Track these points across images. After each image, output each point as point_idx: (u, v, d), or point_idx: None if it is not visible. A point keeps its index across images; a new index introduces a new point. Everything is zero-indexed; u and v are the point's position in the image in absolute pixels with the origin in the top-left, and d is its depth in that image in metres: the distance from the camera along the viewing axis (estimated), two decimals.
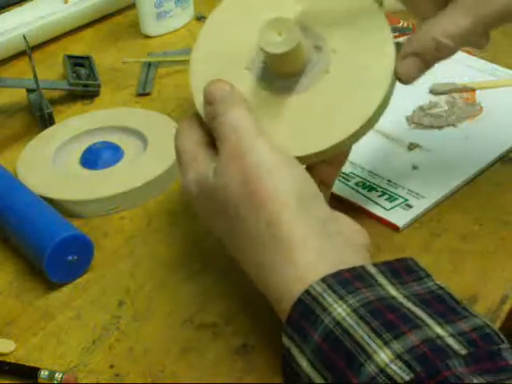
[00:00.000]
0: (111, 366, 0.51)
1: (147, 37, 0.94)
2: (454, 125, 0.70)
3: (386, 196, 0.62)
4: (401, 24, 0.89)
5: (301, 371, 0.43)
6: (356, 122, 0.52)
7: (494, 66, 0.77)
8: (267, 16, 0.51)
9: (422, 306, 0.42)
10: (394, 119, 0.70)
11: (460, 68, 0.77)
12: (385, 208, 0.61)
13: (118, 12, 1.00)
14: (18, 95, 0.82)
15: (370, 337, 0.41)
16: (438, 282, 0.45)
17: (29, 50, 0.76)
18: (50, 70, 0.88)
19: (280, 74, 0.54)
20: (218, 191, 0.49)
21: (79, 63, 0.86)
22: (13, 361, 0.52)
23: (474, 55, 0.79)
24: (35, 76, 0.75)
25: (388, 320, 0.41)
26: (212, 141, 0.52)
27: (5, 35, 0.89)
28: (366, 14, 0.55)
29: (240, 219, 0.48)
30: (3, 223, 0.62)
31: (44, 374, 0.50)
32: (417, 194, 0.62)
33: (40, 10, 0.92)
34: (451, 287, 0.53)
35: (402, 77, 0.53)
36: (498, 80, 0.76)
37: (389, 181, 0.64)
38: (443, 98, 0.73)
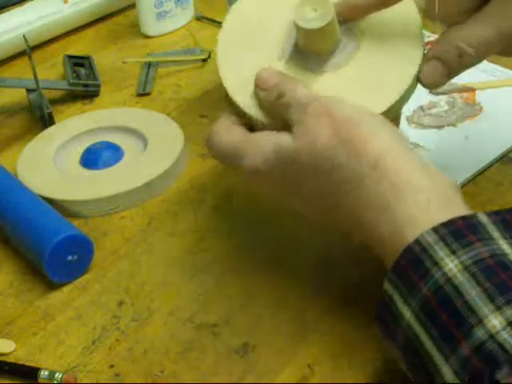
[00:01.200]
0: (111, 366, 0.51)
1: (147, 37, 0.93)
2: (454, 125, 0.70)
3: None
4: None
5: (402, 320, 0.42)
6: (386, 102, 0.53)
7: (494, 66, 0.77)
8: None
9: None
10: None
11: None
12: None
13: (118, 12, 1.00)
14: (18, 95, 0.82)
15: (481, 299, 0.40)
16: None
17: (29, 50, 0.76)
18: (50, 70, 0.88)
19: (313, 51, 0.54)
20: (302, 152, 0.48)
21: (79, 63, 0.86)
22: (13, 361, 0.52)
23: None
24: (35, 76, 0.75)
25: (501, 281, 0.40)
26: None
27: (5, 35, 0.89)
28: (402, 11, 0.56)
29: (338, 169, 0.47)
30: (3, 223, 0.62)
31: (44, 374, 0.50)
32: None
33: (40, 10, 0.92)
34: None
35: (424, 79, 0.54)
36: (498, 80, 0.76)
37: None
38: (443, 98, 0.73)
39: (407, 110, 0.72)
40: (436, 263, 0.42)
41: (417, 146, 0.67)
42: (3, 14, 0.93)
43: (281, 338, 0.52)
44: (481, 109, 0.71)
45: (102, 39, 0.95)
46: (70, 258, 0.58)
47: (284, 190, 0.52)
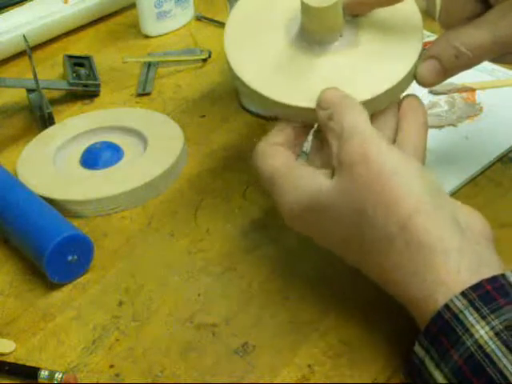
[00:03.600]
0: (111, 366, 0.51)
1: (147, 37, 0.93)
2: (454, 125, 0.70)
3: None
4: None
5: (434, 383, 0.43)
6: (382, 86, 0.54)
7: (494, 66, 0.77)
8: None
9: None
10: None
11: None
12: None
13: (118, 12, 1.00)
14: (18, 95, 0.82)
15: None
16: None
17: (29, 50, 0.76)
18: (50, 70, 0.88)
19: (317, 33, 0.56)
20: (336, 202, 0.49)
21: (79, 63, 0.86)
22: (13, 361, 0.52)
23: None
24: (35, 76, 0.75)
25: None
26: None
27: (5, 35, 0.89)
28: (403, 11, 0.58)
29: (368, 226, 0.47)
30: (3, 223, 0.62)
31: (44, 374, 0.50)
32: None
33: (40, 10, 0.92)
34: None
35: (420, 78, 0.54)
36: (498, 80, 0.76)
37: None
38: (443, 98, 0.73)
39: None
40: (467, 330, 0.42)
41: None
42: (3, 14, 0.93)
43: (281, 338, 0.52)
44: (481, 109, 0.71)
45: (102, 39, 0.95)
46: (70, 257, 0.58)
47: (315, 232, 0.52)
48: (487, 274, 0.44)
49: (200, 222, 0.63)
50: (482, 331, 0.41)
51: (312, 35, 0.56)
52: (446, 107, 0.72)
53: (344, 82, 0.54)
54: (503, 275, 0.44)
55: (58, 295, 0.58)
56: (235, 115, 0.76)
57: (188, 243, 0.61)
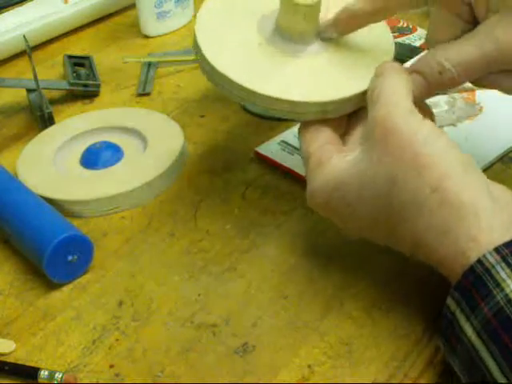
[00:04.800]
0: (111, 366, 0.51)
1: (147, 37, 0.94)
2: (454, 125, 0.70)
3: None
4: (400, 24, 0.89)
5: (464, 336, 0.44)
6: (339, 94, 0.55)
7: None
8: None
9: None
10: None
11: None
12: None
13: (118, 12, 1.00)
14: (18, 95, 0.82)
15: None
16: None
17: (29, 50, 0.76)
18: (50, 70, 0.88)
19: (290, 33, 0.57)
20: (367, 166, 0.49)
21: (79, 63, 0.86)
22: (13, 361, 0.52)
23: None
24: (35, 76, 0.75)
25: None
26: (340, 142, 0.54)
27: (5, 35, 0.89)
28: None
29: (399, 191, 0.48)
30: (3, 223, 0.62)
31: (44, 374, 0.50)
32: None
33: (40, 10, 0.92)
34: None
35: None
36: None
37: None
38: (443, 98, 0.73)
39: None
40: (498, 284, 0.43)
41: None
42: (3, 14, 0.93)
43: (281, 338, 0.52)
44: (481, 109, 0.71)
45: (102, 39, 0.95)
46: (70, 258, 0.58)
47: (345, 211, 0.52)
48: None
49: (200, 222, 0.63)
50: None
51: (289, 34, 0.57)
52: (446, 107, 0.72)
53: (313, 81, 0.56)
54: None
55: (57, 295, 0.58)
56: (235, 115, 0.76)
57: (188, 243, 0.61)
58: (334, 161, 0.52)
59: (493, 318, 0.42)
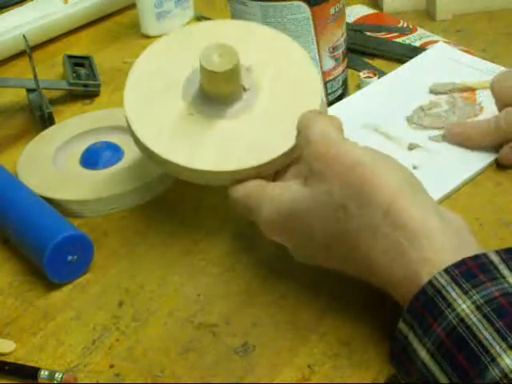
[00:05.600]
0: (111, 366, 0.51)
1: (147, 37, 0.93)
2: None
3: None
4: (400, 24, 0.89)
5: (417, 359, 0.44)
6: (273, 154, 0.56)
7: (494, 65, 0.77)
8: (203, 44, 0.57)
9: None
10: (393, 119, 0.70)
11: (460, 68, 0.77)
12: None
13: (118, 12, 1.00)
14: (18, 95, 0.82)
15: (493, 338, 0.41)
16: None
17: (29, 50, 0.76)
18: (50, 70, 0.88)
19: (215, 97, 0.58)
20: (316, 203, 0.49)
21: (79, 63, 0.86)
22: (13, 361, 0.52)
23: (474, 55, 0.79)
24: (35, 76, 0.75)
25: None
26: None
27: (5, 35, 0.89)
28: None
29: (352, 219, 0.48)
30: (3, 223, 0.62)
31: (44, 374, 0.50)
32: None
33: (40, 10, 0.92)
34: None
35: (505, 161, 0.63)
36: None
37: None
38: (443, 97, 0.73)
39: (407, 110, 0.72)
40: (449, 304, 0.43)
41: (417, 146, 0.67)
42: (3, 14, 0.93)
43: (281, 338, 0.52)
44: (481, 109, 0.71)
45: (101, 39, 0.95)
46: (70, 258, 0.58)
47: (296, 240, 0.52)
48: (469, 253, 0.45)
49: (200, 221, 0.63)
50: (464, 305, 0.42)
51: (211, 97, 0.59)
52: (446, 107, 0.72)
53: (237, 146, 0.57)
54: (485, 254, 0.44)
55: (57, 295, 0.58)
56: None
57: (188, 243, 0.61)
58: (285, 192, 0.52)
59: (446, 338, 0.42)
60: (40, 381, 0.50)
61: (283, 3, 0.67)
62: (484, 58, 0.78)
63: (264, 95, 0.59)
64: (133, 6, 0.96)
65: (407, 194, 0.47)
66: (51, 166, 0.69)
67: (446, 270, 0.44)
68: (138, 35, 0.94)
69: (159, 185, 0.67)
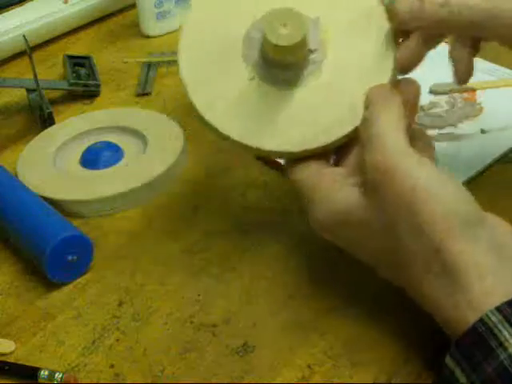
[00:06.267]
0: (111, 366, 0.51)
1: (147, 37, 0.94)
2: (454, 125, 0.70)
3: None
4: None
5: None
6: (342, 130, 0.52)
7: (494, 65, 0.77)
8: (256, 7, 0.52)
9: None
10: None
11: None
12: None
13: (118, 12, 1.00)
14: (18, 95, 0.82)
15: None
16: None
17: (29, 50, 0.76)
18: (50, 70, 0.88)
19: (282, 66, 0.53)
20: (369, 211, 0.48)
21: (79, 63, 0.86)
22: (13, 361, 0.52)
23: None
24: (35, 76, 0.75)
25: None
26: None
27: (5, 35, 0.89)
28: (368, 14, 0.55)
29: (402, 240, 0.46)
30: (3, 223, 0.62)
31: (44, 374, 0.50)
32: None
33: (40, 10, 0.92)
34: None
35: (393, 12, 0.53)
36: (498, 80, 0.76)
37: None
38: (443, 97, 0.73)
39: None
40: (501, 343, 0.42)
41: None
42: (3, 14, 0.93)
43: (281, 338, 0.52)
44: (481, 109, 0.71)
45: (101, 39, 0.95)
46: (70, 258, 0.58)
47: (347, 245, 0.51)
48: None
49: (200, 221, 0.63)
50: None
51: (277, 68, 0.53)
52: (446, 107, 0.72)
53: (308, 120, 0.52)
54: None
55: (57, 295, 0.58)
56: None
57: (188, 243, 0.61)
58: (341, 193, 0.50)
59: (497, 378, 0.41)
60: (40, 381, 0.50)
61: None
62: (484, 58, 0.78)
63: (333, 56, 0.54)
64: (133, 5, 0.96)
65: (460, 228, 0.45)
66: (51, 166, 0.69)
67: (498, 308, 0.42)
68: (138, 35, 0.94)
69: (159, 185, 0.67)
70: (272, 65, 0.53)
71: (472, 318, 0.43)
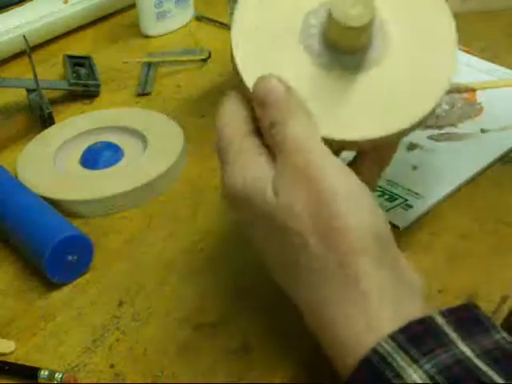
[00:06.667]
0: (111, 366, 0.51)
1: (147, 37, 0.94)
2: (454, 125, 0.70)
3: (386, 196, 0.62)
4: None
5: None
6: (427, 106, 0.49)
7: (494, 65, 0.77)
8: None
9: (495, 366, 0.39)
10: None
11: (460, 68, 0.77)
12: (385, 208, 0.61)
13: (118, 12, 1.00)
14: (18, 95, 0.82)
15: None
16: (504, 335, 0.41)
17: (29, 50, 0.76)
18: (50, 70, 0.88)
19: (346, 50, 0.49)
20: (278, 211, 0.44)
21: (79, 63, 0.86)
22: (13, 361, 0.52)
23: (474, 55, 0.79)
24: (35, 76, 0.75)
25: None
26: (256, 128, 0.47)
27: (5, 35, 0.89)
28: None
29: (305, 250, 0.43)
30: (3, 223, 0.62)
31: (44, 374, 0.50)
32: (417, 194, 0.62)
33: (40, 10, 0.92)
34: (451, 287, 0.54)
35: None
36: (498, 80, 0.76)
37: (388, 181, 0.64)
38: (443, 98, 0.73)
39: None
40: (398, 374, 0.39)
41: (416, 146, 0.67)
42: (3, 14, 0.93)
43: (280, 337, 0.52)
44: (481, 109, 0.71)
45: (101, 39, 0.95)
46: (70, 258, 0.58)
47: (248, 222, 0.48)
48: (414, 313, 0.41)
49: (200, 221, 0.63)
50: (415, 375, 0.38)
51: (343, 48, 0.49)
52: (446, 107, 0.72)
53: (381, 106, 0.49)
54: (430, 317, 0.41)
55: (58, 295, 0.58)
56: None
57: (188, 243, 0.61)
58: (254, 168, 0.46)
59: None
60: (40, 381, 0.50)
61: None
62: (483, 58, 0.78)
63: (395, 40, 0.50)
64: (133, 5, 0.96)
65: (373, 250, 0.42)
66: (51, 166, 0.69)
67: (391, 336, 0.40)
68: (138, 35, 0.94)
69: (159, 185, 0.67)
70: (336, 50, 0.49)
71: (369, 340, 0.40)
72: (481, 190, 0.63)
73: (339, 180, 0.43)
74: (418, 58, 0.50)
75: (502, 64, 0.77)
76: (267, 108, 0.46)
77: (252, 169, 0.46)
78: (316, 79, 0.49)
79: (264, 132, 0.47)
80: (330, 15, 0.47)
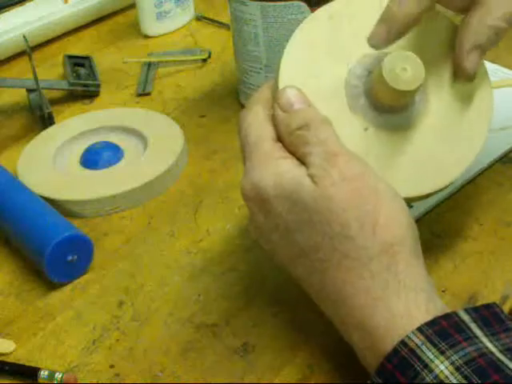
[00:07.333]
0: (111, 366, 0.51)
1: (147, 37, 0.94)
2: None
3: None
4: None
5: None
6: (460, 168, 0.52)
7: (495, 66, 0.77)
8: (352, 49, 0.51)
9: None
10: None
11: None
12: None
13: (118, 12, 1.00)
14: (18, 95, 0.82)
15: None
16: None
17: (29, 50, 0.76)
18: (50, 70, 0.88)
19: (395, 110, 0.51)
20: (319, 200, 0.45)
21: (79, 63, 0.86)
22: (13, 361, 0.52)
23: None
24: (35, 76, 0.75)
25: (493, 382, 0.39)
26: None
27: (5, 35, 0.89)
28: None
29: (345, 239, 0.44)
30: (3, 223, 0.62)
31: (44, 374, 0.50)
32: None
33: (40, 10, 0.93)
34: (451, 287, 0.54)
35: (470, 71, 0.53)
36: (499, 80, 0.76)
37: None
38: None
39: None
40: (426, 365, 0.40)
41: None
42: (3, 14, 0.93)
43: (281, 338, 0.52)
44: None
45: (101, 39, 0.95)
46: (70, 257, 0.58)
47: (277, 226, 0.47)
48: (437, 311, 0.43)
49: (200, 221, 0.63)
50: (442, 366, 0.40)
51: (388, 113, 0.51)
52: None
53: (431, 161, 0.51)
54: (456, 313, 0.42)
55: (58, 295, 0.58)
56: (235, 115, 0.76)
57: (188, 243, 0.61)
58: (288, 167, 0.47)
59: None
60: (40, 381, 0.50)
61: (283, 3, 0.67)
62: (484, 58, 0.78)
63: (433, 96, 0.52)
64: (133, 5, 0.96)
65: (410, 244, 0.45)
66: (51, 166, 0.69)
67: (419, 329, 0.41)
68: (138, 35, 0.94)
69: (159, 185, 0.67)
70: (384, 110, 0.51)
71: (400, 329, 0.42)
72: (481, 190, 0.63)
73: (378, 179, 0.46)
74: (455, 119, 0.53)
75: (502, 64, 0.77)
76: (294, 112, 0.48)
77: (285, 167, 0.47)
78: (369, 141, 0.50)
79: (285, 136, 0.48)
80: (380, 76, 0.48)
